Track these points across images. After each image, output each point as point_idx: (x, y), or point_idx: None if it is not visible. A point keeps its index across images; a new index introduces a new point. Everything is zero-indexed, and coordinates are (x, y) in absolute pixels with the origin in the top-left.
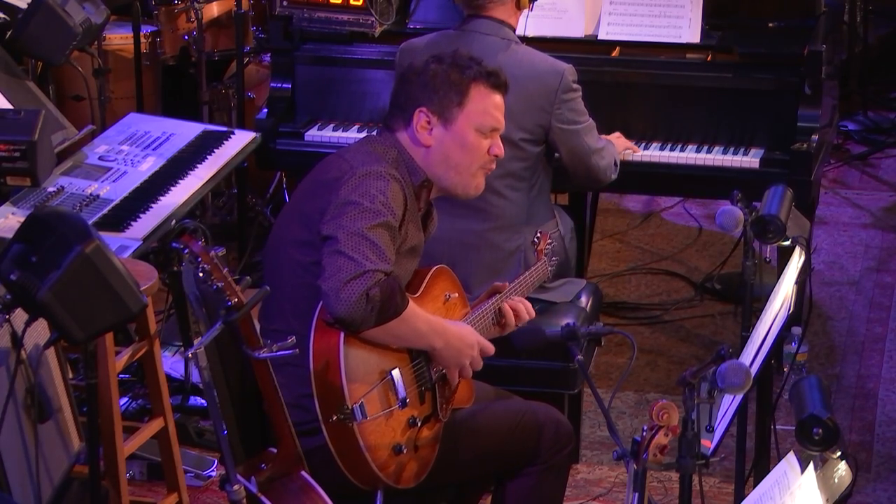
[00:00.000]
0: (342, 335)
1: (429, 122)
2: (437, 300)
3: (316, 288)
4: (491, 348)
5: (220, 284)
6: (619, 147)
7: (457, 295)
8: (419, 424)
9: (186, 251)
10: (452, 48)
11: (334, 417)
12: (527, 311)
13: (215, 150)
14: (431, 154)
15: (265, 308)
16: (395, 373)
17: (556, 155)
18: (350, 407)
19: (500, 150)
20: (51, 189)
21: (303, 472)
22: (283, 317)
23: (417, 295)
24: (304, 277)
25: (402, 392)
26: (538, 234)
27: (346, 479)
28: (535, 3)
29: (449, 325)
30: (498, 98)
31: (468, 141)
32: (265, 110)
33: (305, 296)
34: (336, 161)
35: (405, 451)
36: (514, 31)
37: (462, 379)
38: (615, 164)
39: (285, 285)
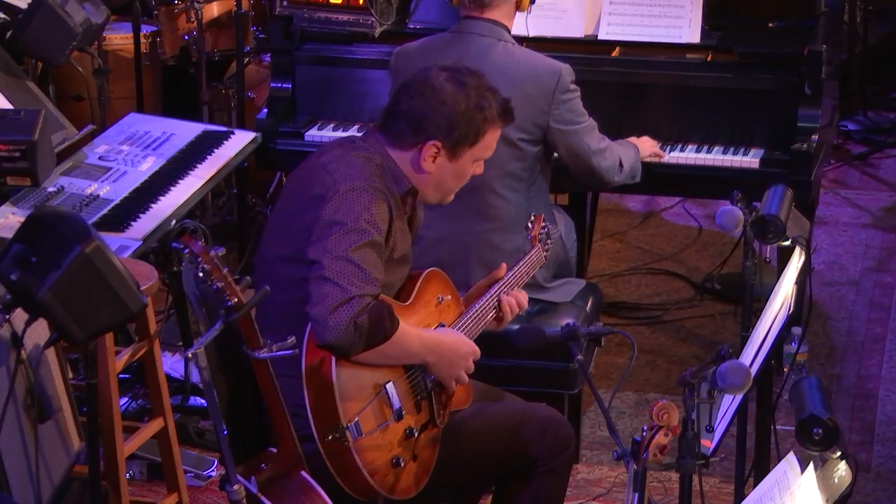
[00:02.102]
0: (332, 355)
1: (436, 154)
2: (429, 304)
3: (304, 303)
4: (478, 353)
5: (220, 284)
6: (645, 151)
7: (450, 297)
8: (416, 434)
9: (186, 251)
10: (448, 51)
11: (330, 437)
12: (518, 304)
13: (215, 150)
14: (427, 178)
15: (258, 319)
16: (390, 386)
17: (555, 155)
18: (345, 426)
19: (480, 170)
20: (51, 189)
21: (303, 473)
22: (276, 330)
23: (409, 301)
24: (292, 293)
25: (396, 404)
26: (532, 218)
27: (344, 492)
28: (535, 4)
29: (442, 337)
30: (501, 130)
31: (465, 171)
32: (265, 110)
33: (295, 311)
34: (320, 174)
35: (403, 464)
36: (510, 32)
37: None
38: (620, 165)
39: (275, 299)
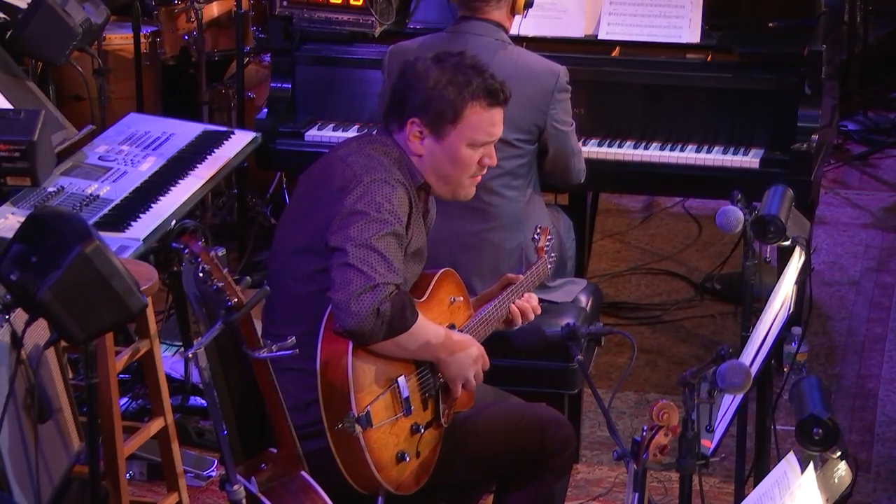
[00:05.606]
0: (350, 344)
1: (420, 133)
2: (442, 304)
3: (321, 295)
4: (488, 363)
5: (220, 284)
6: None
7: (461, 299)
8: (422, 431)
9: (186, 251)
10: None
11: (340, 425)
12: (532, 308)
13: (215, 150)
14: (423, 162)
15: (270, 312)
16: (401, 380)
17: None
18: (356, 415)
19: (492, 160)
20: (51, 189)
21: (303, 472)
22: (289, 323)
23: (424, 299)
24: (308, 286)
25: (407, 398)
26: (538, 230)
27: (348, 484)
28: (536, 3)
29: (456, 337)
30: (495, 114)
31: (459, 155)
32: (265, 110)
33: (310, 304)
34: (340, 167)
35: (408, 459)
36: (507, 33)
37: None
38: (584, 169)
39: (290, 293)
